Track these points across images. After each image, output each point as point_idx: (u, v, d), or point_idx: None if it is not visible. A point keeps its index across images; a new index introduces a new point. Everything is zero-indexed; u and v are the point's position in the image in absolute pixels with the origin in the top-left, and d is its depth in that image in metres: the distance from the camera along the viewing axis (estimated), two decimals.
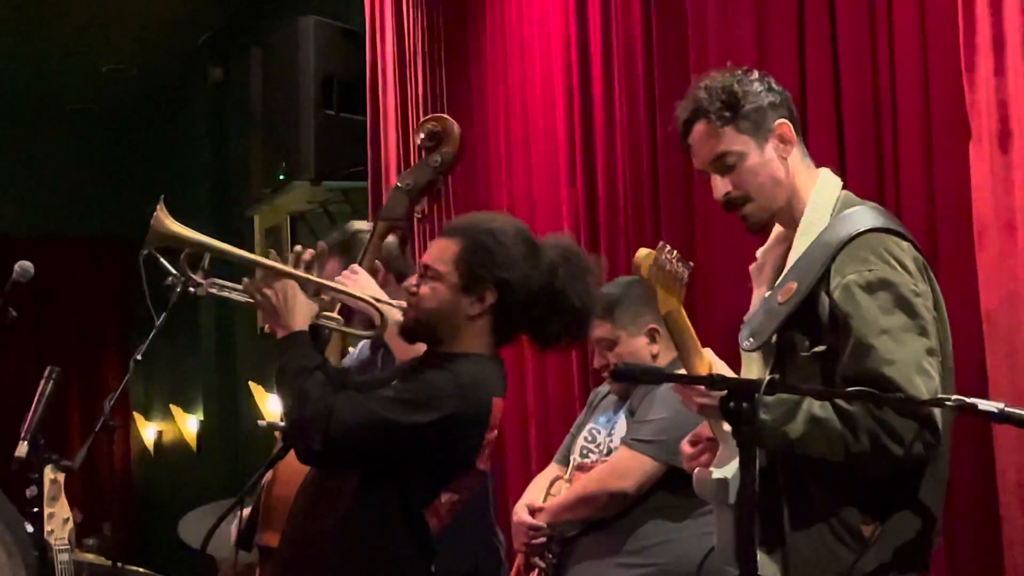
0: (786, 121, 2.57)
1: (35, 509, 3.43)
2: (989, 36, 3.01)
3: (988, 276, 3.01)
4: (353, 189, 6.02)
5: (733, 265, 3.32)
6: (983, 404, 1.99)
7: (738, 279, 2.88)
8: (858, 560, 2.36)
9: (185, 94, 8.97)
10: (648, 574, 3.30)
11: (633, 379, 3.36)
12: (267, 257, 2.82)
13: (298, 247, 2.86)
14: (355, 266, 3.26)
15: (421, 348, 2.83)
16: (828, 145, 3.39)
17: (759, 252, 2.70)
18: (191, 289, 2.82)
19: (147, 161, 9.75)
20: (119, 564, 5.59)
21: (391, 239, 3.44)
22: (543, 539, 3.45)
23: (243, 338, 8.22)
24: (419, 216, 3.85)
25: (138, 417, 9.90)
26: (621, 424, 3.44)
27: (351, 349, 3.50)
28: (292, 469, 2.93)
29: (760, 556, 2.21)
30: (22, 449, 3.29)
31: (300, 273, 2.81)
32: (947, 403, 2.05)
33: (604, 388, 3.65)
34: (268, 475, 3.22)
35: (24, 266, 3.51)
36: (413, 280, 2.81)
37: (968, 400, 2.00)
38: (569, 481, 3.50)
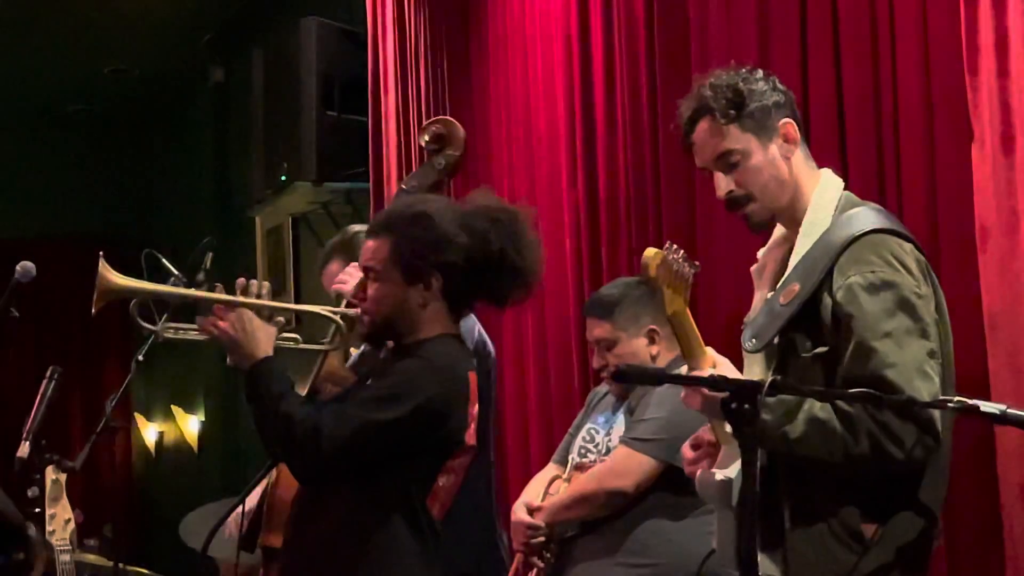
0: (790, 121, 2.57)
1: (37, 510, 3.43)
2: (992, 38, 3.01)
3: (990, 278, 3.01)
4: (355, 190, 6.03)
5: (735, 266, 3.32)
6: (985, 406, 1.99)
7: (740, 280, 2.88)
8: (859, 561, 2.37)
9: (186, 95, 8.97)
10: (647, 574, 3.31)
11: (634, 380, 3.37)
12: (214, 291, 2.86)
13: (241, 279, 2.88)
14: (355, 264, 3.26)
15: None
16: (830, 146, 3.39)
17: (760, 253, 2.70)
18: (150, 337, 2.89)
19: (149, 162, 9.75)
20: (120, 565, 5.58)
21: None
22: (542, 539, 3.45)
23: None
24: None
25: (139, 418, 9.90)
26: (620, 424, 3.45)
27: (353, 351, 3.50)
28: None
29: (760, 557, 2.21)
30: (24, 449, 3.30)
31: (251, 300, 2.84)
32: (949, 405, 2.05)
33: (603, 388, 3.66)
34: (271, 475, 3.22)
35: (26, 266, 3.52)
36: (358, 291, 2.85)
37: (970, 402, 2.00)
38: (568, 481, 3.50)
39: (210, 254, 3.47)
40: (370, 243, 2.82)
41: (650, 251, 2.46)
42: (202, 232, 2.79)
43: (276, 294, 7.16)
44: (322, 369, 3.06)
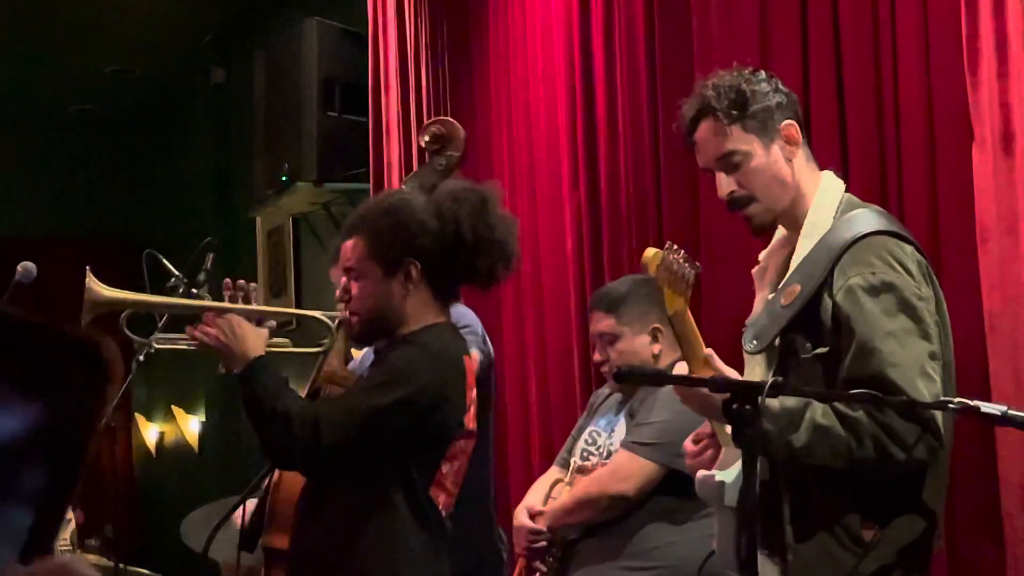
0: (793, 122, 2.57)
1: None
2: (992, 39, 3.01)
3: (990, 279, 3.01)
4: (355, 191, 6.02)
5: (737, 267, 3.32)
6: (986, 407, 1.99)
7: (741, 281, 2.88)
8: (859, 563, 2.36)
9: (188, 96, 8.97)
10: None
11: (634, 381, 3.36)
12: (211, 291, 2.87)
13: (227, 279, 2.89)
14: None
15: None
16: (831, 148, 3.38)
17: (761, 255, 2.70)
18: (141, 354, 2.90)
19: (150, 162, 9.75)
20: (120, 565, 5.59)
21: None
22: (544, 543, 3.45)
23: None
24: None
25: (140, 418, 9.90)
26: (621, 426, 3.44)
27: (355, 353, 3.50)
28: None
29: (760, 559, 2.21)
30: None
31: (237, 305, 2.87)
32: (950, 406, 2.05)
33: (605, 390, 3.65)
34: (274, 475, 3.22)
35: (27, 267, 3.52)
36: (343, 293, 2.86)
37: (971, 403, 2.00)
38: (570, 484, 3.49)
39: (211, 255, 3.47)
40: (346, 244, 2.85)
41: (650, 251, 2.46)
42: (203, 232, 2.80)
43: (277, 294, 7.16)
44: (321, 371, 3.07)
